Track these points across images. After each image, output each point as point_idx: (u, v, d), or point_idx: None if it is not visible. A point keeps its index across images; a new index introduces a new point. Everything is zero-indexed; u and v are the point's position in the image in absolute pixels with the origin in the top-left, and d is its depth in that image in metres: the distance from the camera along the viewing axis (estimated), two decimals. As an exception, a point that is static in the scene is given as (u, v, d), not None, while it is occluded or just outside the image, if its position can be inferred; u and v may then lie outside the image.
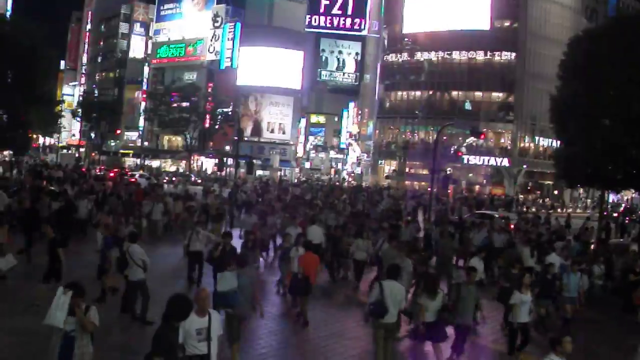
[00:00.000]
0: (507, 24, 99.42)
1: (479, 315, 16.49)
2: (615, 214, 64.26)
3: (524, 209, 69.26)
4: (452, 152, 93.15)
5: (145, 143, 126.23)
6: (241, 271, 14.16)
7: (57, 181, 47.11)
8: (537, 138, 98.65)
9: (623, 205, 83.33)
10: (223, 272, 14.49)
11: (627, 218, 58.91)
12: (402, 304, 14.51)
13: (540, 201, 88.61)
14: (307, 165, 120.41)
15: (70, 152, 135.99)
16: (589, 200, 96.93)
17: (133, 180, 60.43)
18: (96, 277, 18.33)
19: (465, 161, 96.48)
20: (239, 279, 13.84)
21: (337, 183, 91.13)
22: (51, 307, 9.83)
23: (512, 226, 36.67)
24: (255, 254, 22.06)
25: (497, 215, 44.68)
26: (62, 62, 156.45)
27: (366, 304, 14.84)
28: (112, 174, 69.57)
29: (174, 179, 77.23)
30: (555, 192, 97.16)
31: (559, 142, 44.02)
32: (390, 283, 14.15)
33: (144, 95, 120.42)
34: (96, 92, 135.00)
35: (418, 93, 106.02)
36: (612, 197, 76.70)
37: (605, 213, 50.84)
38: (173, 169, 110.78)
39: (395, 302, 13.94)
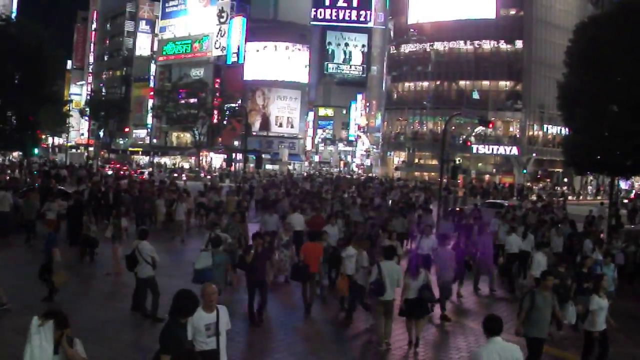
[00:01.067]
0: (512, 12, 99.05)
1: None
2: (625, 200, 64.11)
3: (535, 198, 68.77)
4: (461, 141, 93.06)
5: (154, 140, 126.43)
6: (215, 251, 16.67)
7: (65, 180, 47.29)
8: (545, 126, 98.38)
9: (634, 191, 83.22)
10: (200, 253, 17.33)
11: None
12: (399, 283, 15.34)
13: (557, 189, 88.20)
14: (316, 158, 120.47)
15: (79, 151, 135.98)
16: (590, 187, 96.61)
17: (142, 177, 60.55)
18: (38, 276, 17.78)
19: (475, 151, 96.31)
20: (213, 258, 16.40)
21: (348, 175, 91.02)
22: (26, 351, 8.51)
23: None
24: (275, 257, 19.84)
25: (507, 204, 44.65)
26: (69, 62, 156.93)
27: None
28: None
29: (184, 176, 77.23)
30: (565, 179, 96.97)
31: (567, 129, 43.93)
32: (387, 263, 15.42)
33: (152, 93, 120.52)
34: (104, 90, 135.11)
35: (425, 83, 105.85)
36: (622, 184, 76.48)
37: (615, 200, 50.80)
38: (186, 165, 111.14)
39: (392, 281, 15.23)
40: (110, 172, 70.38)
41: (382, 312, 15.32)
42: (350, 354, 15.24)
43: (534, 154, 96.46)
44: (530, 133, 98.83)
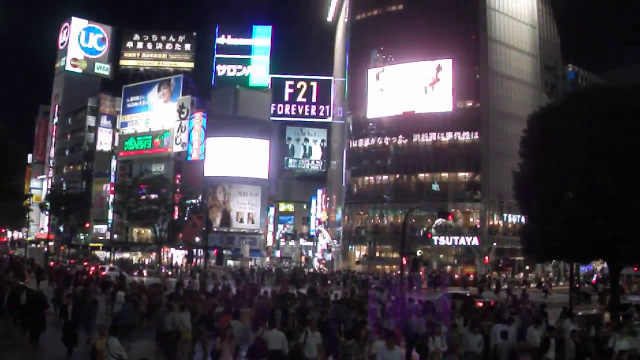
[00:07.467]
0: (469, 104, 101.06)
1: None
2: (586, 285, 64.93)
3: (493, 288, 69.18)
4: (421, 234, 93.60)
5: (115, 236, 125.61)
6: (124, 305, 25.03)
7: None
8: (505, 215, 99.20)
9: (595, 275, 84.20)
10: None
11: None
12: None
13: (525, 277, 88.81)
14: (278, 254, 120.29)
15: (39, 246, 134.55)
16: (531, 275, 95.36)
17: (104, 273, 59.90)
18: None
19: (435, 242, 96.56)
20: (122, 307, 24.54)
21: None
22: None
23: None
24: None
25: (468, 294, 44.98)
26: (30, 156, 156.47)
27: None
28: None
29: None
30: (527, 267, 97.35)
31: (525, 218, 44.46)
32: (271, 332, 20.38)
33: (112, 188, 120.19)
34: (64, 185, 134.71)
35: (385, 177, 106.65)
36: (582, 268, 77.22)
37: (577, 285, 51.35)
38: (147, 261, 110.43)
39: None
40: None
41: None
42: None
43: (495, 244, 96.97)
44: (490, 223, 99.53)
